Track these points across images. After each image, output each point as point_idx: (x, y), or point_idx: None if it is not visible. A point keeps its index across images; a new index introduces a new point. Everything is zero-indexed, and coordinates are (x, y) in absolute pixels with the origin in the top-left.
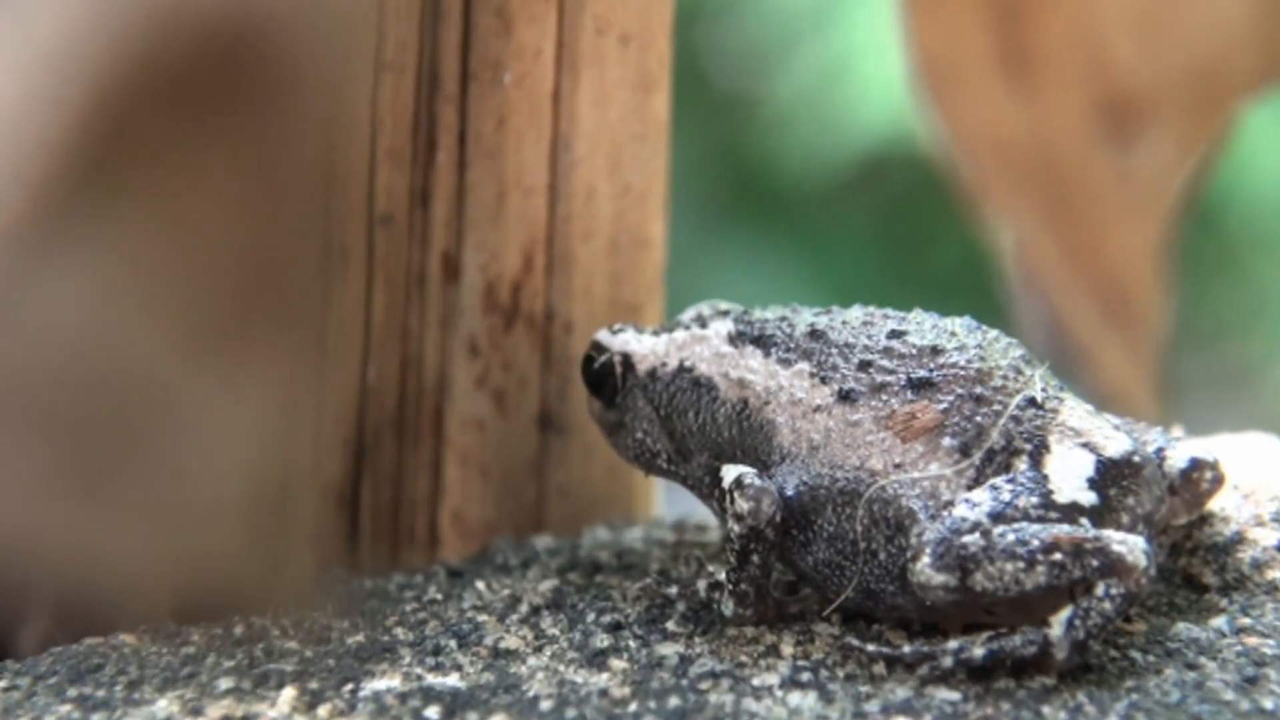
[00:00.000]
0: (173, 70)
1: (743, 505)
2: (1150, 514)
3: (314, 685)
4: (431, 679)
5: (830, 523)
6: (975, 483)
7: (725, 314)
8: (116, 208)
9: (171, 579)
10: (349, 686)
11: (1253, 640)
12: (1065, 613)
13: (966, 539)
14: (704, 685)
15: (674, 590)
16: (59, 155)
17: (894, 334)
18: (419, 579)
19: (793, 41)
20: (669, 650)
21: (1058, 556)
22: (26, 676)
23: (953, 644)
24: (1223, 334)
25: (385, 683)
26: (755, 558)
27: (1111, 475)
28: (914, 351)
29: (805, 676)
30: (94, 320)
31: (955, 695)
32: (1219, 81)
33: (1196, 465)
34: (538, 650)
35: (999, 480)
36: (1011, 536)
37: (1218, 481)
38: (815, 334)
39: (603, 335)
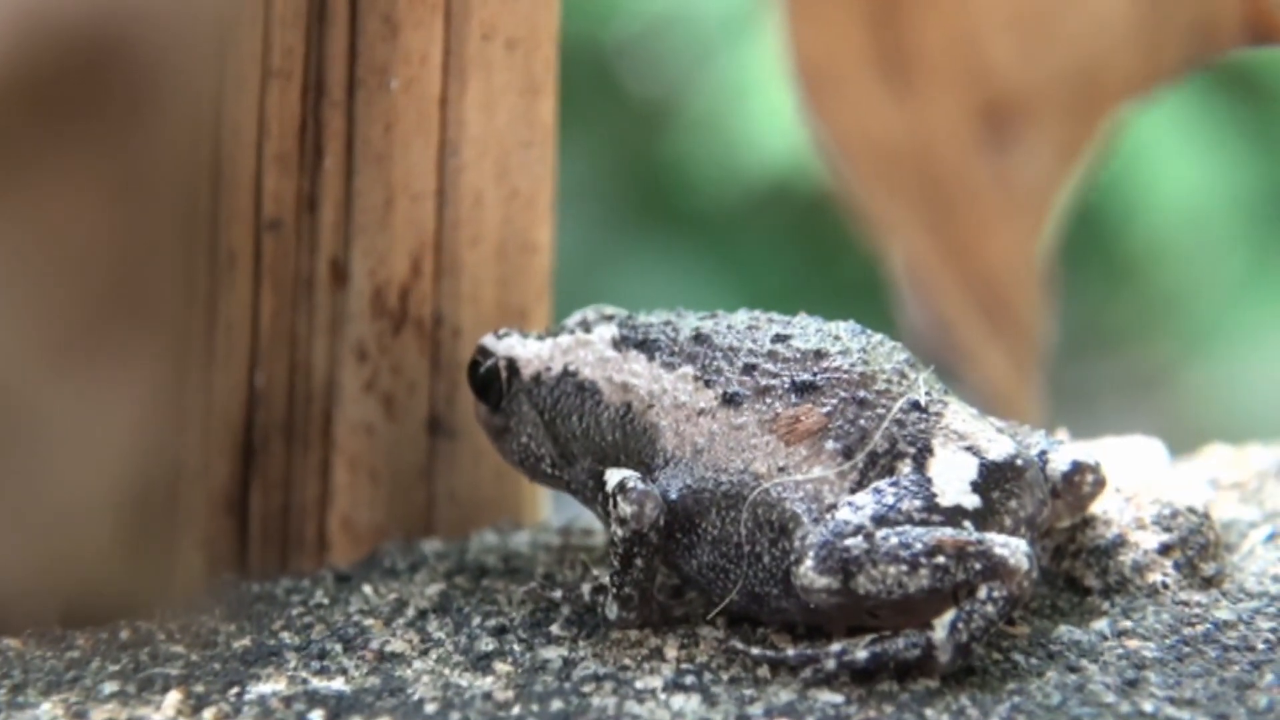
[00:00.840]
0: (35, 74)
1: (626, 509)
2: (1033, 517)
3: (199, 689)
4: (317, 683)
5: (714, 526)
6: (859, 486)
7: (610, 319)
8: None
9: (53, 583)
10: (234, 690)
11: (1133, 643)
12: (948, 615)
13: (849, 542)
14: (587, 688)
15: (559, 594)
16: None
17: (778, 338)
18: (306, 583)
19: (706, 53)
20: (553, 654)
21: (941, 560)
22: None
23: (836, 647)
24: (1131, 339)
25: (270, 686)
26: (639, 561)
27: (994, 478)
28: (798, 355)
29: (689, 679)
30: None
31: (838, 698)
32: (1099, 85)
33: (1078, 468)
34: (423, 654)
35: (882, 483)
36: (894, 539)
37: (1099, 484)
38: (700, 338)
39: (488, 340)
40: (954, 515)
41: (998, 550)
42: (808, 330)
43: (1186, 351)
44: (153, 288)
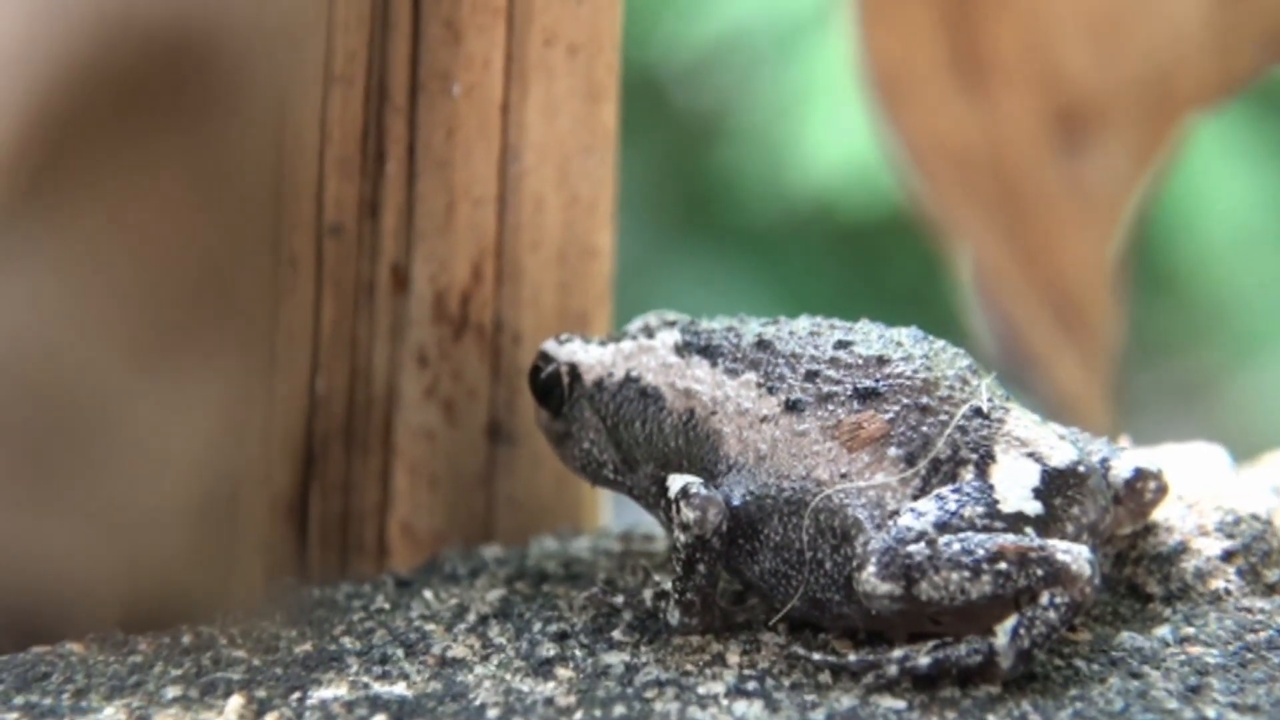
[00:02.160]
0: (119, 76)
1: (689, 515)
2: (1095, 523)
3: (261, 693)
4: (378, 687)
5: (776, 532)
6: (921, 492)
7: (672, 324)
8: (62, 213)
9: (118, 587)
10: (296, 695)
11: (1196, 649)
12: (1010, 622)
13: (912, 548)
14: (649, 694)
15: (620, 600)
16: (2, 159)
17: (841, 344)
18: (367, 588)
19: (758, 67)
20: (615, 659)
21: (1003, 566)
22: None
23: (897, 653)
24: (1177, 347)
25: (332, 691)
26: (701, 567)
27: (1056, 485)
28: (860, 361)
29: (751, 685)
30: (38, 324)
31: (900, 704)
32: (1172, 91)
33: (1141, 475)
34: (484, 659)
35: (944, 490)
36: (957, 546)
37: (1162, 491)
38: (762, 344)
39: (550, 345)
40: (1016, 522)
41: (1059, 556)
42: (870, 336)
43: (1236, 359)
44: (231, 290)
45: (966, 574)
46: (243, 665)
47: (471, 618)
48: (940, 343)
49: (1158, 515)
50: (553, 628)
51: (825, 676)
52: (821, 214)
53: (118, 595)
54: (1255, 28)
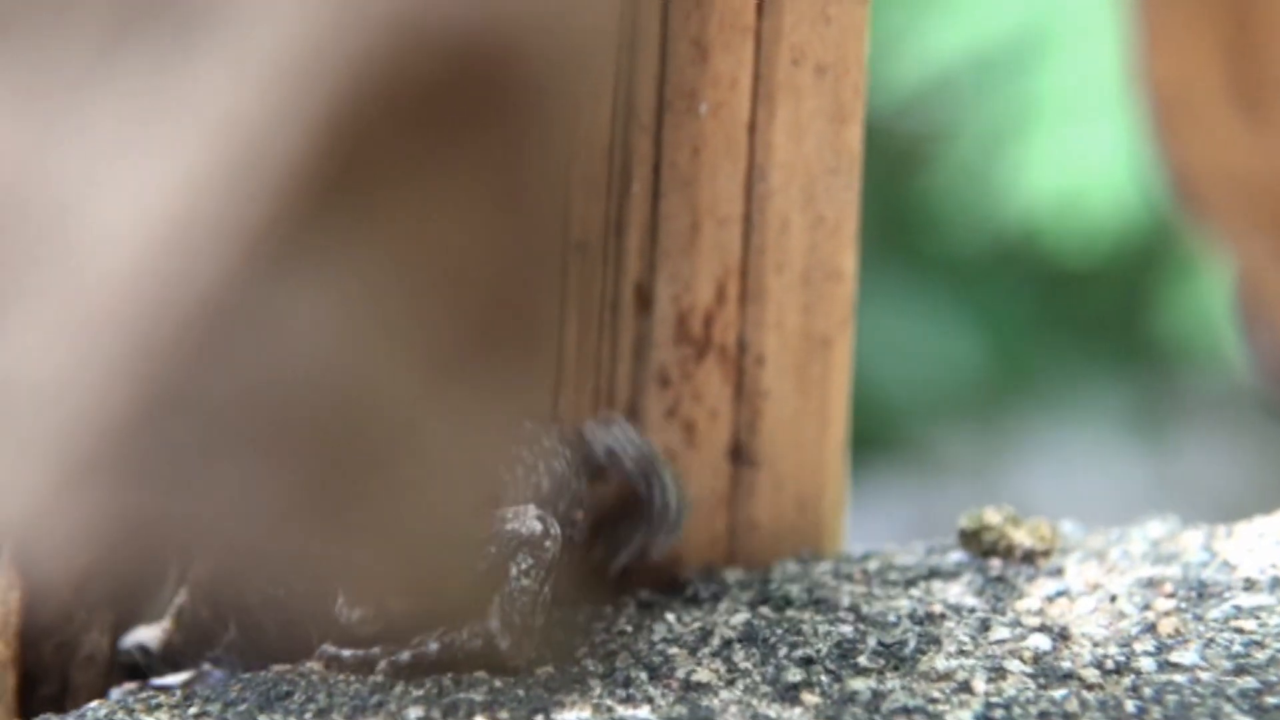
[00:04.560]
0: (416, 88)
1: None
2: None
3: (504, 715)
4: (622, 710)
5: None
6: None
7: None
8: (357, 226)
9: (411, 609)
10: (539, 717)
11: None
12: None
13: None
14: None
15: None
16: (297, 170)
17: None
18: (608, 610)
19: (965, 91)
20: (861, 685)
21: None
22: (216, 703)
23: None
24: None
25: (575, 714)
26: None
27: None
28: None
29: (998, 714)
30: (334, 340)
31: None
32: None
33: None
34: (729, 684)
35: None
36: None
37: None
38: None
39: None
40: None
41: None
42: None
43: None
44: (527, 311)
45: None
46: (484, 686)
47: (715, 641)
48: None
49: None
50: (798, 652)
51: None
52: (1027, 245)
53: (411, 617)
54: None
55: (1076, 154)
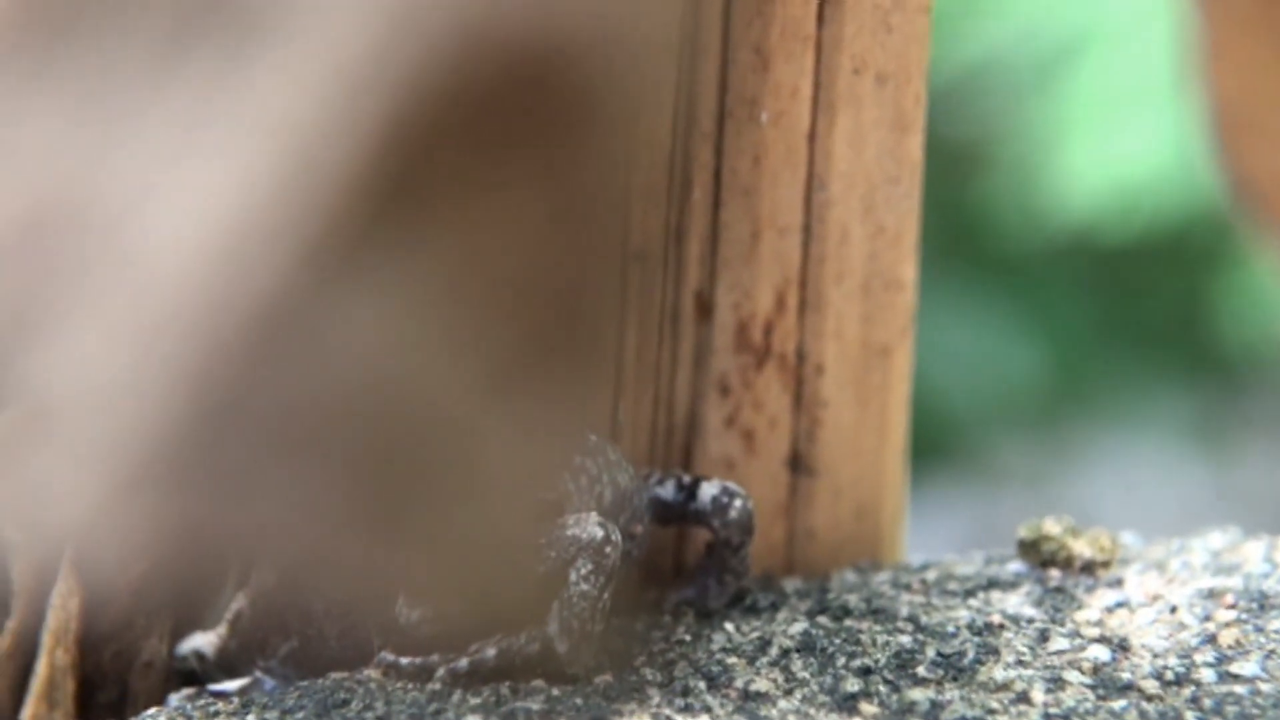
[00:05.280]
0: (476, 96)
1: None
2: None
3: None
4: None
5: None
6: None
7: None
8: (417, 235)
9: (468, 617)
10: None
11: None
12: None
13: None
14: None
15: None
16: (355, 178)
17: None
18: (667, 619)
19: (1017, 94)
20: (919, 695)
21: None
22: (274, 710)
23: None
24: None
25: None
26: None
27: None
28: None
29: None
30: (393, 349)
31: None
32: None
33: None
34: (788, 693)
35: None
36: None
37: None
38: None
39: None
40: None
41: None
42: None
43: None
44: (585, 321)
45: None
46: (542, 695)
47: (774, 651)
48: None
49: None
50: (856, 662)
51: None
52: (1081, 242)
53: (470, 621)
54: None
55: (1128, 151)
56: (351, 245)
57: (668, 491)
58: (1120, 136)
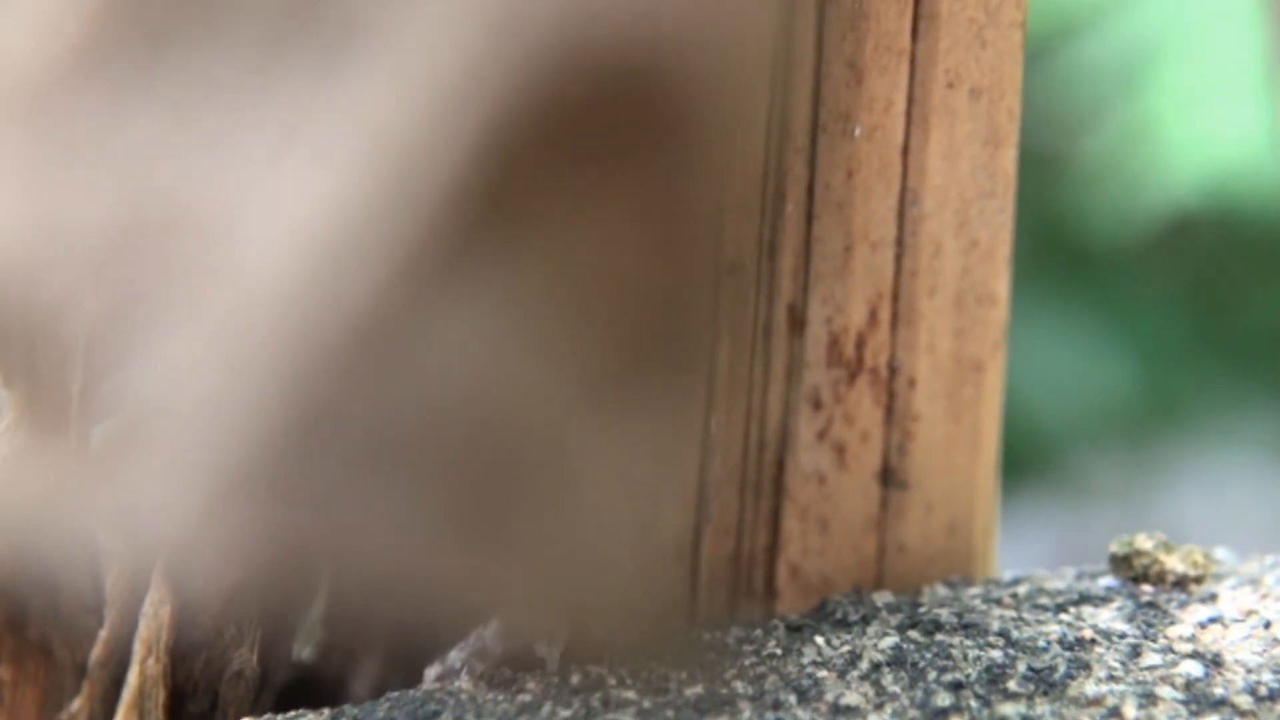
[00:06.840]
0: (574, 107)
1: None
2: None
3: None
4: None
5: None
6: None
7: None
8: (512, 247)
9: (563, 630)
10: None
11: None
12: None
13: None
14: None
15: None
16: (454, 187)
17: None
18: (758, 633)
19: (1100, 101)
20: (1011, 710)
21: None
22: None
23: None
24: None
25: None
26: None
27: None
28: None
29: None
30: (489, 360)
31: None
32: None
33: None
34: (878, 708)
35: None
36: None
37: None
38: None
39: None
40: None
41: None
42: None
43: None
44: (679, 335)
45: None
46: (633, 707)
47: (864, 665)
48: None
49: None
50: (947, 677)
51: None
52: (1172, 245)
53: (562, 639)
54: None
55: (1219, 148)
56: (449, 254)
57: None
58: (1211, 132)
